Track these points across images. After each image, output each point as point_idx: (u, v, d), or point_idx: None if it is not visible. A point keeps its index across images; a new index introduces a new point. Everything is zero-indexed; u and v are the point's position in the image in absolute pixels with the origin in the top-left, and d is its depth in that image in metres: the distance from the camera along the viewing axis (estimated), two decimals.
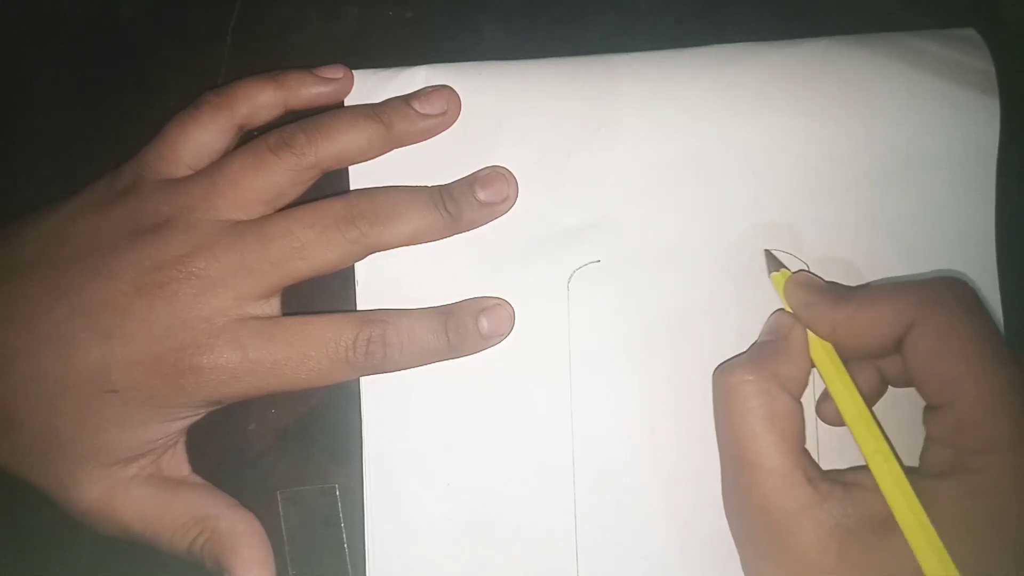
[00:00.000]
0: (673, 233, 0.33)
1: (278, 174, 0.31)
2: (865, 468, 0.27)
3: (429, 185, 0.32)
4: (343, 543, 0.33)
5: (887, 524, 0.26)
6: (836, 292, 0.29)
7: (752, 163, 0.33)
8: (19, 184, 0.36)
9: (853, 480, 0.27)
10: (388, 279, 0.33)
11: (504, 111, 0.33)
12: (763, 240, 0.33)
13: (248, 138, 0.33)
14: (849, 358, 0.29)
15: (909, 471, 0.27)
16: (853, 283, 0.32)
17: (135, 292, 0.29)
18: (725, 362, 0.31)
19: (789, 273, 0.31)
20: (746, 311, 0.32)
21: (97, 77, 0.36)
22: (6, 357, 0.29)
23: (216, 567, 0.30)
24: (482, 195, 0.32)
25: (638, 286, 0.33)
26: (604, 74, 0.33)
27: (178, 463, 0.32)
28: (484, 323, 0.32)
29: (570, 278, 0.33)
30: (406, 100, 0.33)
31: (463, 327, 0.31)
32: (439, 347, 0.31)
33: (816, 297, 0.29)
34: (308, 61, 0.33)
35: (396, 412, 0.32)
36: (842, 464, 0.29)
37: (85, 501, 0.30)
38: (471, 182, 0.32)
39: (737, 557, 0.29)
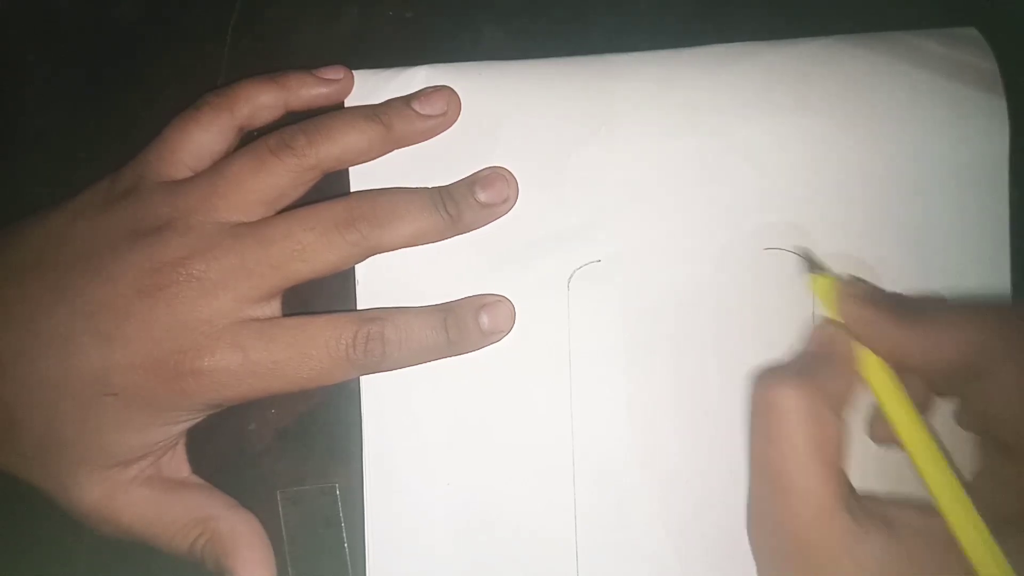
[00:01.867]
0: (673, 233, 0.33)
1: (279, 175, 0.31)
2: (908, 505, 0.26)
3: (429, 186, 0.32)
4: (343, 543, 0.33)
5: (937, 572, 0.24)
6: (899, 308, 0.27)
7: (752, 163, 0.33)
8: (19, 184, 0.36)
9: (898, 519, 0.26)
10: (388, 279, 0.32)
11: (504, 111, 0.33)
12: (764, 240, 0.32)
13: (248, 139, 0.32)
14: (900, 371, 0.27)
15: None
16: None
17: (135, 294, 0.29)
18: (765, 372, 0.28)
19: (830, 277, 0.28)
20: (747, 311, 0.32)
21: (97, 77, 0.36)
22: (6, 359, 0.29)
23: (217, 568, 0.31)
24: (482, 196, 0.32)
25: (638, 286, 0.33)
26: (604, 74, 0.33)
27: (178, 464, 0.32)
28: (484, 319, 0.32)
29: (570, 278, 0.33)
30: (406, 101, 0.33)
31: (463, 323, 0.31)
32: (439, 343, 0.31)
33: (876, 313, 0.27)
34: (308, 61, 0.33)
35: (396, 411, 0.32)
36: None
37: (85, 503, 0.30)
38: (471, 183, 0.32)
39: (737, 557, 0.29)
